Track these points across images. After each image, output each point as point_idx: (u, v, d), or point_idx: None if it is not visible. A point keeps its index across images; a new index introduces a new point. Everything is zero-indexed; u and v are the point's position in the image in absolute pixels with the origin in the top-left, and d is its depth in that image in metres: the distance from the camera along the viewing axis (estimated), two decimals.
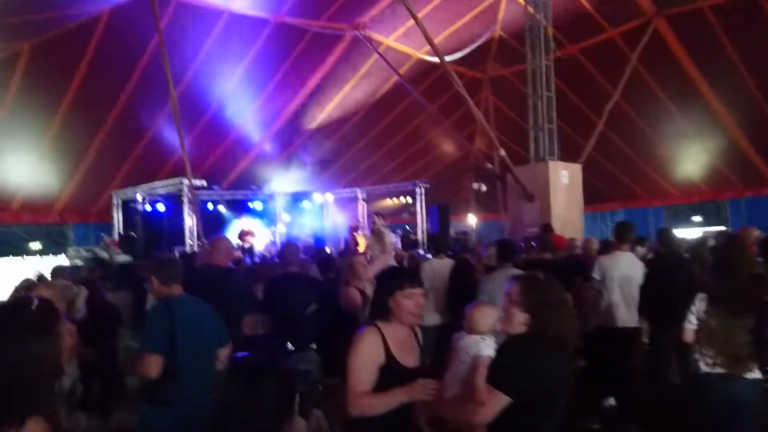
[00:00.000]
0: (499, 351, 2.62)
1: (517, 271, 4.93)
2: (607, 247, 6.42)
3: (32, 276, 8.56)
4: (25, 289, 4.08)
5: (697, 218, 17.82)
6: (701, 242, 7.35)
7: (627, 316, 5.53)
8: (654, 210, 17.77)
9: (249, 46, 12.32)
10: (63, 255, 13.89)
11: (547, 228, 9.19)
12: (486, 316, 3.14)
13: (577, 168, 11.18)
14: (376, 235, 7.21)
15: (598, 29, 13.13)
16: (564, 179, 10.69)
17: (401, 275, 2.96)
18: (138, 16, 10.19)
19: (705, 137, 14.53)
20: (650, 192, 17.37)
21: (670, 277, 5.57)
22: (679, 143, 15.14)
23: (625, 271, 5.54)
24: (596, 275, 5.59)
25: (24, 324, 1.90)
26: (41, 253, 14.64)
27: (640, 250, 7.57)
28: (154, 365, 3.15)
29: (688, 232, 15.81)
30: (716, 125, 13.93)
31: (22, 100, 11.03)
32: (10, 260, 13.43)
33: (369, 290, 4.79)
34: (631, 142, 15.45)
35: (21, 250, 14.42)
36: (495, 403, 2.38)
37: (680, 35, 12.36)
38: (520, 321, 2.51)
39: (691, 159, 15.60)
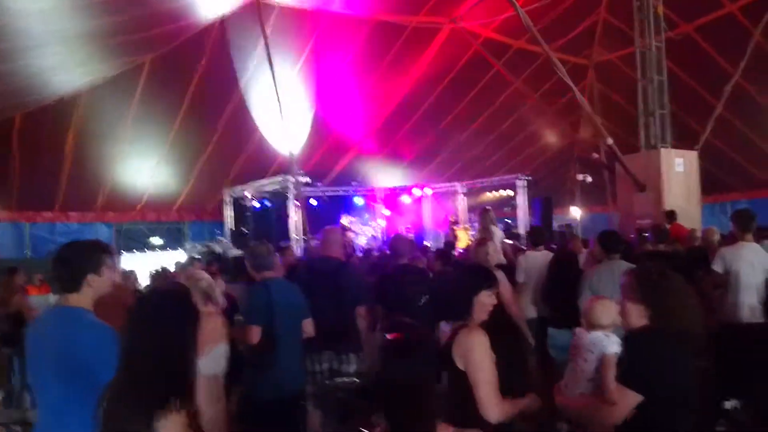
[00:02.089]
0: (626, 347, 2.51)
1: (627, 264, 4.70)
2: (730, 239, 5.98)
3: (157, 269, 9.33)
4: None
5: None
6: None
7: (753, 311, 5.14)
8: None
9: (350, 45, 12.58)
10: (181, 250, 14.91)
11: (670, 216, 8.67)
12: (608, 310, 3.01)
13: (693, 155, 10.48)
14: (484, 230, 7.15)
15: (715, 5, 12.22)
16: (679, 167, 10.06)
17: (485, 274, 2.92)
18: (245, 24, 10.71)
19: None
20: None
21: None
22: None
23: (751, 263, 5.14)
24: (718, 268, 5.23)
25: (185, 310, 2.03)
26: (161, 248, 15.80)
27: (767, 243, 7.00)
28: (255, 334, 3.77)
29: None
30: None
31: (144, 109, 11.96)
32: (135, 255, 14.60)
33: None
34: (753, 125, 14.26)
35: (144, 246, 15.65)
36: (627, 402, 2.29)
37: None
38: (638, 314, 2.40)
39: None
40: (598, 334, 2.95)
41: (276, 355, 3.81)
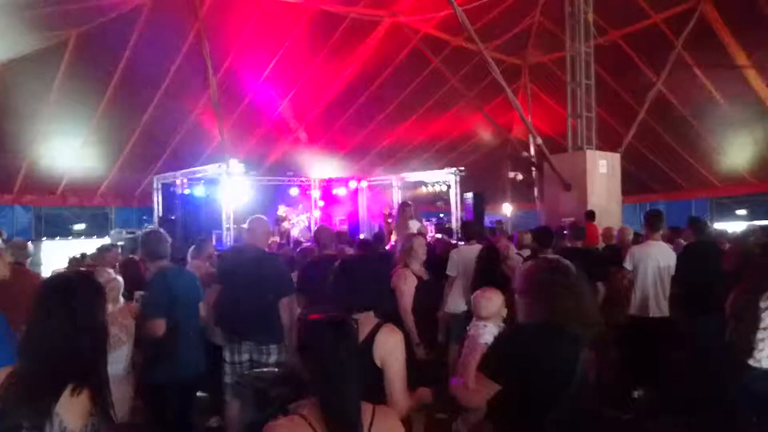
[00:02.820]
0: (496, 338, 2.60)
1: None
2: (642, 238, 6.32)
3: (76, 255, 8.96)
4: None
5: (742, 212, 17.31)
6: (748, 234, 7.13)
7: (659, 306, 5.46)
8: (697, 202, 17.32)
9: (287, 32, 12.40)
10: (106, 237, 14.36)
11: (589, 215, 9.05)
12: (488, 301, 3.13)
13: (616, 157, 10.96)
14: (402, 224, 7.24)
15: (641, 15, 12.77)
16: (602, 168, 10.50)
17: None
18: (179, 4, 10.37)
19: (752, 126, 14.04)
20: (693, 183, 16.90)
21: (698, 266, 5.47)
22: (724, 133, 14.67)
23: (657, 260, 5.46)
24: (628, 265, 5.53)
25: (92, 293, 1.99)
26: (85, 234, 15.18)
27: (681, 242, 7.41)
28: (160, 327, 3.81)
29: (733, 226, 15.38)
30: (764, 114, 13.45)
31: (68, 87, 11.39)
32: (57, 241, 13.96)
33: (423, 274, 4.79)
34: (673, 131, 15.04)
35: (67, 232, 14.98)
36: (483, 389, 2.34)
37: (728, 21, 11.93)
38: (523, 308, 2.43)
39: (737, 149, 15.10)
40: (477, 324, 3.08)
41: (176, 344, 3.86)
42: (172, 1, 10.43)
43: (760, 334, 3.42)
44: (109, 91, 11.89)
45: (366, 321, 2.53)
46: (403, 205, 7.77)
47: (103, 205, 15.53)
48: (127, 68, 11.55)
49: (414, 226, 7.35)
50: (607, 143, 11.34)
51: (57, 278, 2.09)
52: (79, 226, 15.67)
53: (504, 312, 3.09)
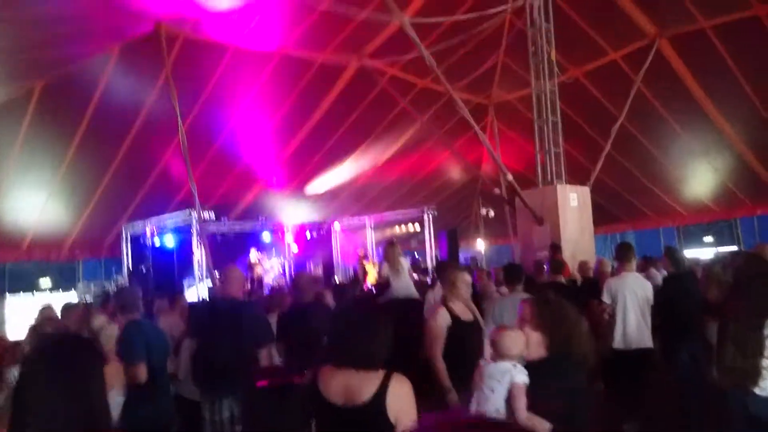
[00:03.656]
0: (532, 376, 2.55)
1: (527, 296, 4.88)
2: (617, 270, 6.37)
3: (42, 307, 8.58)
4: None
5: (709, 238, 17.71)
6: (716, 262, 7.25)
7: (640, 336, 5.47)
8: (664, 230, 17.68)
9: (255, 79, 12.46)
10: (73, 290, 13.94)
11: (555, 248, 9.13)
12: (516, 340, 3.06)
13: (585, 190, 11.15)
14: (392, 263, 7.16)
15: (600, 52, 13.21)
16: (573, 202, 10.65)
17: None
18: (146, 53, 10.35)
19: (712, 156, 14.51)
20: (660, 213, 17.28)
21: (680, 296, 5.51)
22: (686, 163, 15.12)
23: (635, 291, 5.50)
24: (606, 298, 5.54)
25: (93, 356, 1.88)
26: (51, 289, 14.71)
27: (654, 272, 7.50)
28: (142, 372, 3.91)
29: (700, 253, 15.68)
30: (723, 144, 13.92)
31: (33, 138, 11.17)
32: (21, 297, 13.48)
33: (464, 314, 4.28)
34: (638, 163, 15.43)
35: (32, 287, 14.50)
36: (540, 429, 2.34)
37: (683, 56, 12.42)
38: (536, 342, 2.46)
39: (700, 178, 15.55)
40: (505, 364, 2.98)
41: (153, 390, 3.97)
42: (140, 49, 10.40)
43: (765, 362, 3.37)
44: (75, 141, 11.71)
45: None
46: (389, 245, 7.70)
47: (70, 258, 15.09)
48: (95, 117, 11.40)
49: (404, 264, 7.29)
50: (575, 177, 11.53)
51: (56, 343, 1.97)
52: (45, 281, 15.19)
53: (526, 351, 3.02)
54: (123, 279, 13.81)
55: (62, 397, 1.73)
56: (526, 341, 2.58)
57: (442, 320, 4.11)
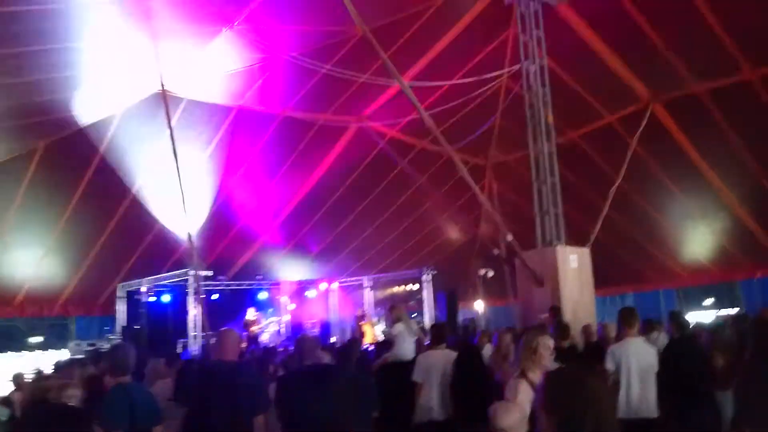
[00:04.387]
0: None
1: None
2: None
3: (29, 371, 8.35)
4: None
5: (709, 300, 17.55)
6: (722, 326, 7.14)
7: (644, 405, 5.28)
8: (665, 292, 17.49)
9: (257, 139, 12.62)
10: (64, 349, 13.64)
11: (555, 311, 8.97)
12: (507, 413, 2.94)
13: (585, 252, 11.08)
14: (399, 321, 7.04)
15: (596, 115, 13.45)
16: (573, 263, 10.56)
17: None
18: (149, 114, 10.51)
19: (710, 218, 14.53)
20: (660, 274, 17.16)
21: (686, 362, 5.37)
22: (684, 225, 15.13)
23: (638, 358, 5.34)
24: (610, 365, 5.37)
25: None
26: (42, 347, 14.38)
27: (656, 335, 7.36)
28: None
29: (700, 315, 15.50)
30: (720, 206, 13.97)
31: (33, 195, 11.22)
32: (9, 356, 13.14)
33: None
34: (636, 225, 15.44)
35: (21, 345, 14.17)
36: None
37: (678, 119, 12.62)
38: (547, 426, 2.31)
39: (698, 240, 15.53)
40: None
41: None
42: (143, 110, 10.57)
43: None
44: (74, 199, 11.74)
45: None
46: (392, 308, 7.58)
47: (63, 315, 14.84)
48: (95, 176, 11.49)
49: (412, 325, 7.17)
50: (575, 238, 11.50)
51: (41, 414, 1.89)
52: (36, 339, 14.88)
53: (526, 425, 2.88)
54: (116, 337, 13.55)
55: None
56: (518, 415, 2.47)
57: (525, 398, 3.38)
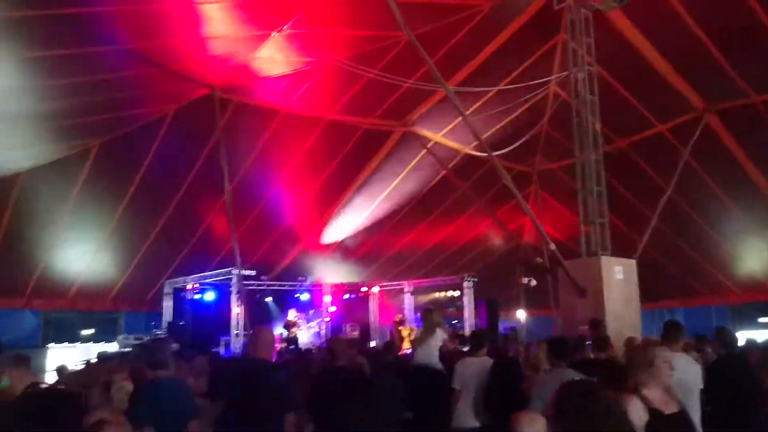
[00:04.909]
0: None
1: (573, 373, 4.63)
2: None
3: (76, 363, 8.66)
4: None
5: (764, 319, 16.83)
6: None
7: None
8: (716, 309, 16.87)
9: (302, 142, 12.80)
10: (113, 342, 14.12)
11: (595, 324, 8.74)
12: (532, 423, 2.88)
13: (631, 263, 10.79)
14: (428, 331, 7.02)
15: (646, 124, 13.12)
16: (618, 275, 10.30)
17: None
18: (199, 115, 10.80)
19: (765, 232, 13.96)
20: (711, 290, 16.56)
21: (733, 380, 5.16)
22: (739, 239, 14.57)
23: (682, 374, 5.16)
24: None
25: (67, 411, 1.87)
26: (93, 339, 14.92)
27: (706, 352, 7.11)
28: None
29: (754, 334, 14.88)
30: None
31: (87, 194, 11.67)
32: (62, 346, 13.68)
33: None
34: (687, 237, 14.96)
35: (74, 337, 14.74)
36: None
37: (733, 130, 12.20)
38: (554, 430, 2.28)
39: (753, 256, 14.92)
40: None
41: None
42: (193, 112, 10.86)
43: None
44: (127, 197, 12.15)
45: None
46: (428, 312, 7.55)
47: (112, 310, 15.37)
48: (147, 176, 11.86)
49: (439, 334, 7.14)
50: (621, 249, 11.23)
51: (31, 398, 1.99)
52: (87, 331, 15.43)
53: None
54: (162, 333, 13.93)
55: None
56: (545, 425, 2.42)
57: (635, 416, 3.02)
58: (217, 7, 7.93)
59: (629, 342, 7.32)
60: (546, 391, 4.61)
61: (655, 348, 3.52)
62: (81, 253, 13.01)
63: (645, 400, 3.21)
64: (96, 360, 8.31)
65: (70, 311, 14.72)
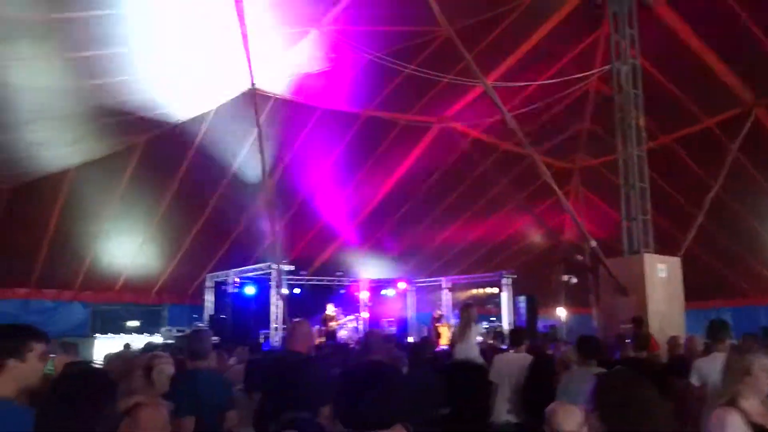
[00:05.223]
0: None
1: (600, 370, 4.55)
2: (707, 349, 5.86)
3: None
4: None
5: None
6: None
7: None
8: (765, 309, 16.29)
9: (340, 138, 12.88)
10: (157, 334, 14.50)
11: (638, 322, 8.56)
12: (569, 415, 2.85)
13: (675, 261, 10.53)
14: (465, 326, 7.00)
15: (693, 119, 12.74)
16: (661, 273, 10.07)
17: None
18: (240, 111, 10.98)
19: None
20: (761, 290, 16.00)
21: None
22: None
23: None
24: (695, 380, 5.08)
25: (94, 393, 1.94)
26: (138, 331, 15.36)
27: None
28: (189, 425, 3.73)
29: None
30: None
31: (133, 189, 12.02)
32: (110, 338, 14.13)
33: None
34: (734, 235, 14.48)
35: (120, 328, 15.22)
36: None
37: None
38: (595, 424, 2.24)
39: None
40: None
41: None
42: (233, 109, 11.05)
43: None
44: (170, 192, 12.45)
45: None
46: (467, 306, 7.54)
47: (157, 303, 15.81)
48: (189, 171, 12.13)
49: (475, 329, 7.12)
50: (664, 247, 10.96)
51: (61, 379, 2.08)
52: (133, 323, 15.89)
53: (585, 429, 2.78)
54: (204, 325, 14.24)
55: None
56: (582, 419, 2.38)
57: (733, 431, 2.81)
58: (257, 5, 8.04)
59: (672, 341, 7.17)
60: (572, 388, 4.57)
61: (752, 354, 3.13)
62: (127, 247, 13.43)
63: (745, 414, 2.87)
64: (142, 350, 8.54)
65: (117, 303, 15.21)
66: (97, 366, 3.98)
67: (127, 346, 8.95)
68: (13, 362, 2.27)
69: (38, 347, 2.33)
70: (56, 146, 10.16)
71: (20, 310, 13.30)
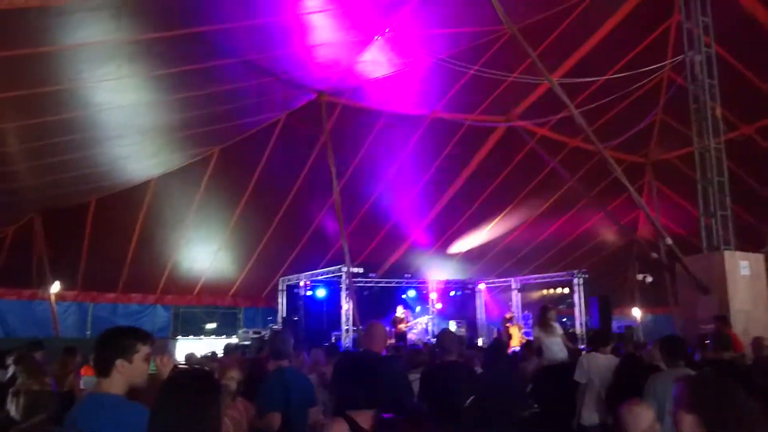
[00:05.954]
0: None
1: (689, 371, 4.44)
2: None
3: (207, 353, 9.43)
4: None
5: None
6: None
7: None
8: None
9: (407, 140, 13.00)
10: (234, 336, 15.09)
11: (721, 321, 8.21)
12: (639, 416, 2.83)
13: (759, 258, 10.01)
14: (546, 327, 6.98)
15: None
16: (744, 270, 9.60)
17: None
18: (308, 119, 11.29)
19: None
20: None
21: None
22: None
23: None
24: None
25: (208, 392, 2.06)
26: (216, 333, 16.03)
27: None
28: (276, 421, 3.84)
29: None
30: None
31: (209, 197, 12.58)
32: (190, 339, 14.82)
33: None
34: None
35: (199, 330, 15.94)
36: None
37: None
38: (691, 426, 2.23)
39: None
40: None
41: None
42: (302, 116, 11.37)
43: None
44: (244, 199, 12.94)
45: None
46: (545, 309, 7.52)
47: (233, 306, 16.46)
48: (261, 179, 12.57)
49: (557, 329, 7.06)
50: (747, 243, 10.46)
51: (176, 378, 2.19)
52: (211, 325, 16.59)
53: (657, 427, 2.78)
54: (278, 327, 14.69)
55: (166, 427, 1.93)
56: (652, 418, 2.36)
57: None
58: (323, 16, 8.27)
59: (757, 342, 6.86)
60: (659, 389, 4.46)
61: None
62: (205, 252, 14.06)
63: None
64: (223, 351, 8.99)
65: (196, 306, 15.95)
66: (204, 369, 4.18)
67: (212, 353, 9.44)
68: (120, 362, 2.45)
69: (144, 349, 2.52)
70: (138, 158, 10.78)
71: (110, 313, 14.17)
